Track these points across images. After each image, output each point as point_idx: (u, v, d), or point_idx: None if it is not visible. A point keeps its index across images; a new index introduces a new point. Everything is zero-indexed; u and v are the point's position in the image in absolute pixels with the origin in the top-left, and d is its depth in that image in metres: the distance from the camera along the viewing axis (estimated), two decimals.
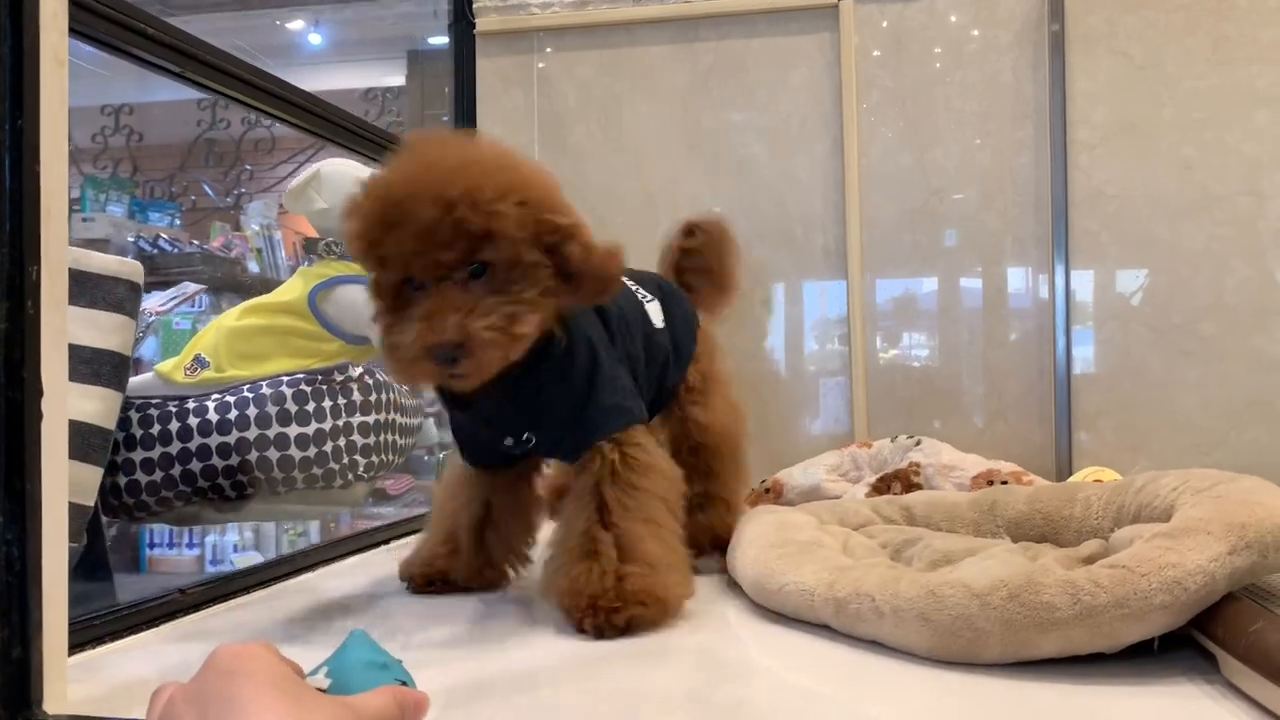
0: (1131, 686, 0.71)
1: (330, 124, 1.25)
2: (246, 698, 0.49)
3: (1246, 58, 1.44)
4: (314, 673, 0.58)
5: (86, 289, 0.88)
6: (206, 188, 5.65)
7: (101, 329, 0.88)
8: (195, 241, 4.48)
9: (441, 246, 0.82)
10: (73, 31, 0.80)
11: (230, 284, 3.70)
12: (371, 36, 5.30)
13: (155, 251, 4.21)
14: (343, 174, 1.51)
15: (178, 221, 4.87)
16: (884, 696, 0.71)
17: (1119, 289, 1.48)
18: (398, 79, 5.20)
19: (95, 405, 0.87)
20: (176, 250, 4.26)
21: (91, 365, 0.87)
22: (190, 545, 4.19)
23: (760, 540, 1.01)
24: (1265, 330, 1.43)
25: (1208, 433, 1.44)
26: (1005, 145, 1.52)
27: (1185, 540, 0.73)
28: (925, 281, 1.55)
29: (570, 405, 0.94)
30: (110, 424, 0.88)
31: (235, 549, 4.00)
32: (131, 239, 4.17)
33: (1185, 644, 0.77)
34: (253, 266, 4.15)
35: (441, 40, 4.31)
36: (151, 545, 4.18)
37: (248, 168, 5.61)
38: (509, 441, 0.96)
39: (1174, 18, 1.46)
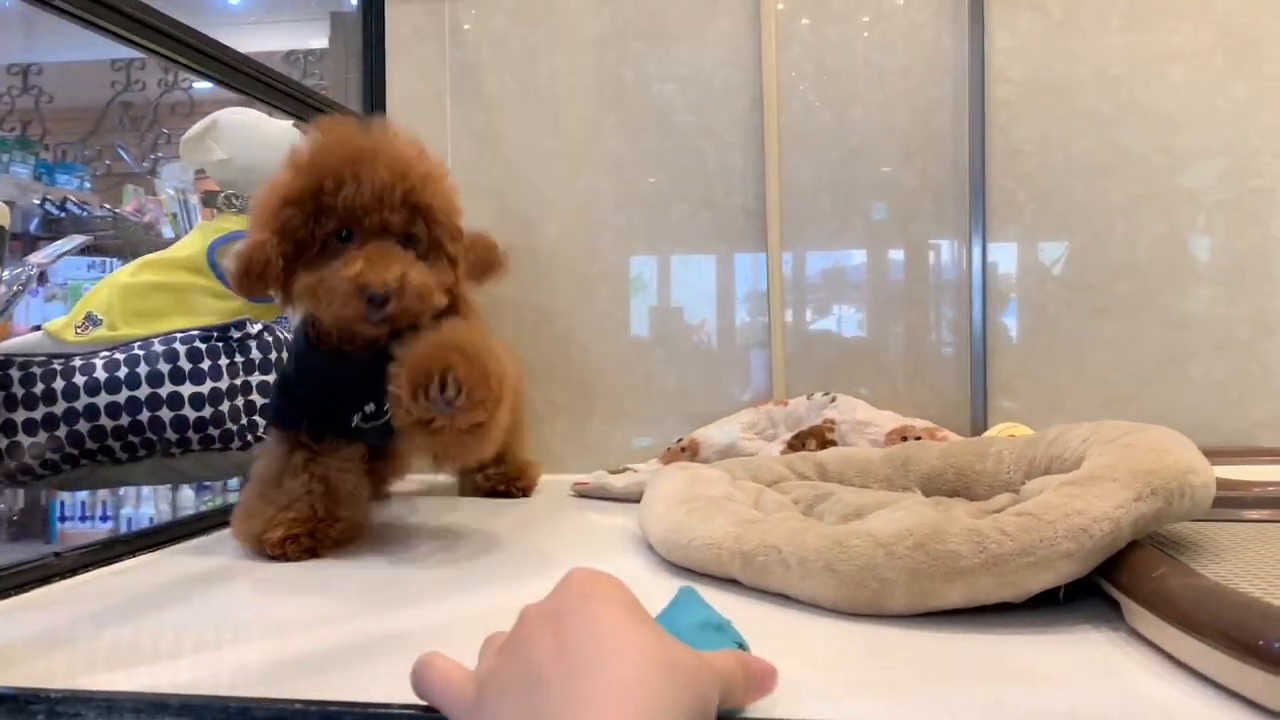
0: (1036, 635, 0.70)
1: (261, 84, 1.20)
2: (608, 620, 0.46)
3: (1160, 13, 1.44)
4: None
5: None
6: (121, 152, 5.46)
7: None
8: (106, 205, 4.33)
9: (391, 209, 0.93)
10: None
11: (145, 249, 3.58)
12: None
13: (63, 215, 4.06)
14: (243, 123, 1.44)
15: (88, 184, 4.70)
16: (789, 649, 0.69)
17: (1036, 248, 1.48)
18: (320, 41, 5.06)
19: None
20: (86, 214, 4.11)
21: None
22: (104, 518, 4.06)
23: (671, 496, 0.99)
24: (1177, 288, 1.44)
25: (1120, 389, 1.45)
26: (924, 103, 1.50)
27: (1092, 488, 0.72)
28: (844, 242, 1.54)
29: None
30: None
31: (150, 521, 3.89)
32: (37, 201, 4.02)
33: (1090, 593, 0.76)
34: (167, 231, 4.02)
35: None
36: (63, 519, 4.05)
37: (164, 131, 5.43)
38: (368, 408, 1.02)
39: None
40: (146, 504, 3.97)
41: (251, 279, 0.95)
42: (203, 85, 5.19)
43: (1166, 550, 0.77)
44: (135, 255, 1.41)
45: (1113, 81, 1.45)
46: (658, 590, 0.86)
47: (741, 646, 0.59)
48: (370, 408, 1.01)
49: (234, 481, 3.12)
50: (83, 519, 4.07)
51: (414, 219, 0.96)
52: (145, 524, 3.94)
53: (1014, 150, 1.47)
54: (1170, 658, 0.64)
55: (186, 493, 3.94)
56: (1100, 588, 0.75)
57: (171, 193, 4.24)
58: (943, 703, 0.58)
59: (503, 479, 1.36)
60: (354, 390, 1.01)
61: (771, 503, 0.99)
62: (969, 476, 1.09)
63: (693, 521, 0.89)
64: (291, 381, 1.06)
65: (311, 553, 0.98)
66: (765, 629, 0.74)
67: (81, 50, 5.29)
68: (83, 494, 4.03)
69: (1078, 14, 1.46)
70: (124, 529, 3.98)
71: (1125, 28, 1.45)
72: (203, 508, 3.79)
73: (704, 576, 0.88)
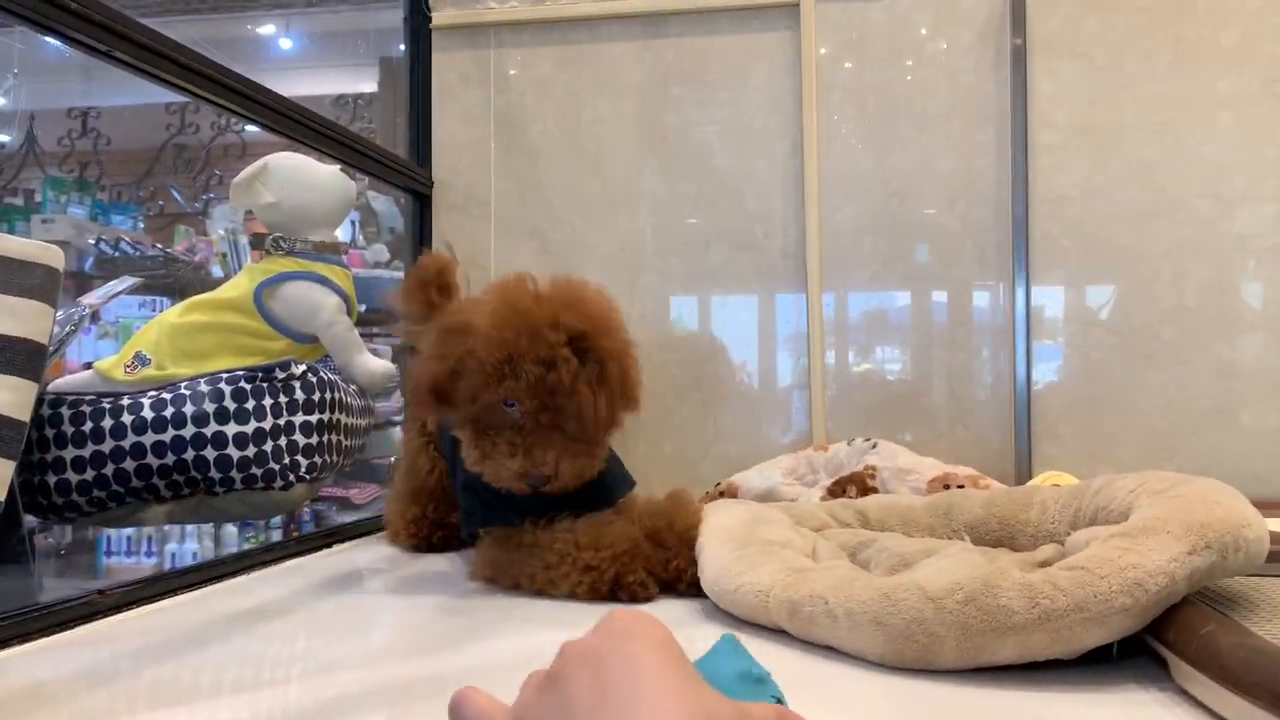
0: (1084, 693, 0.68)
1: (307, 128, 1.23)
2: (647, 664, 0.45)
3: (1208, 60, 1.43)
4: None
5: (1, 273, 0.84)
6: (174, 192, 5.58)
7: (16, 315, 0.84)
8: (158, 245, 4.42)
9: (563, 394, 1.02)
10: (46, 28, 0.79)
11: (195, 289, 3.65)
12: (344, 42, 5.26)
13: (117, 254, 4.15)
14: (292, 167, 1.46)
15: (141, 224, 4.81)
16: (833, 703, 0.68)
17: (1080, 293, 1.46)
18: (369, 86, 5.15)
19: (7, 395, 0.83)
20: (139, 253, 4.20)
21: (4, 353, 0.83)
22: (149, 554, 4.11)
23: (723, 533, 0.98)
24: (1225, 337, 1.42)
25: (1167, 438, 1.42)
26: (966, 147, 1.50)
27: (1144, 540, 0.71)
28: (886, 285, 1.53)
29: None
30: (24, 415, 0.84)
31: (194, 556, 3.93)
32: (92, 241, 4.11)
33: (1136, 650, 0.74)
34: (216, 270, 4.09)
35: None
36: (109, 553, 4.11)
37: (216, 173, 5.54)
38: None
39: (1135, 19, 1.45)
40: (191, 540, 4.02)
41: (431, 401, 1.07)
42: (254, 129, 5.31)
43: (1216, 606, 0.75)
44: (185, 294, 1.44)
45: (1158, 127, 1.44)
46: (704, 636, 0.86)
47: (779, 701, 0.58)
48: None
49: (276, 520, 3.12)
50: (128, 554, 4.12)
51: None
52: (189, 560, 3.98)
53: (1057, 195, 1.46)
54: (1218, 717, 0.62)
55: (230, 529, 3.98)
56: (1147, 644, 0.74)
57: (222, 233, 4.32)
58: None
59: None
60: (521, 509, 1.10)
61: (825, 550, 0.98)
62: (1013, 526, 1.07)
63: (741, 567, 0.88)
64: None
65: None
66: (808, 680, 0.73)
67: (138, 94, 5.43)
68: (128, 530, 4.08)
69: (1121, 60, 1.46)
70: (169, 565, 4.02)
71: (1170, 74, 1.44)
72: (245, 545, 3.83)
73: (750, 625, 0.87)
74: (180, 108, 5.66)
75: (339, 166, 1.49)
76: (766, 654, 0.80)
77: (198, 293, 1.45)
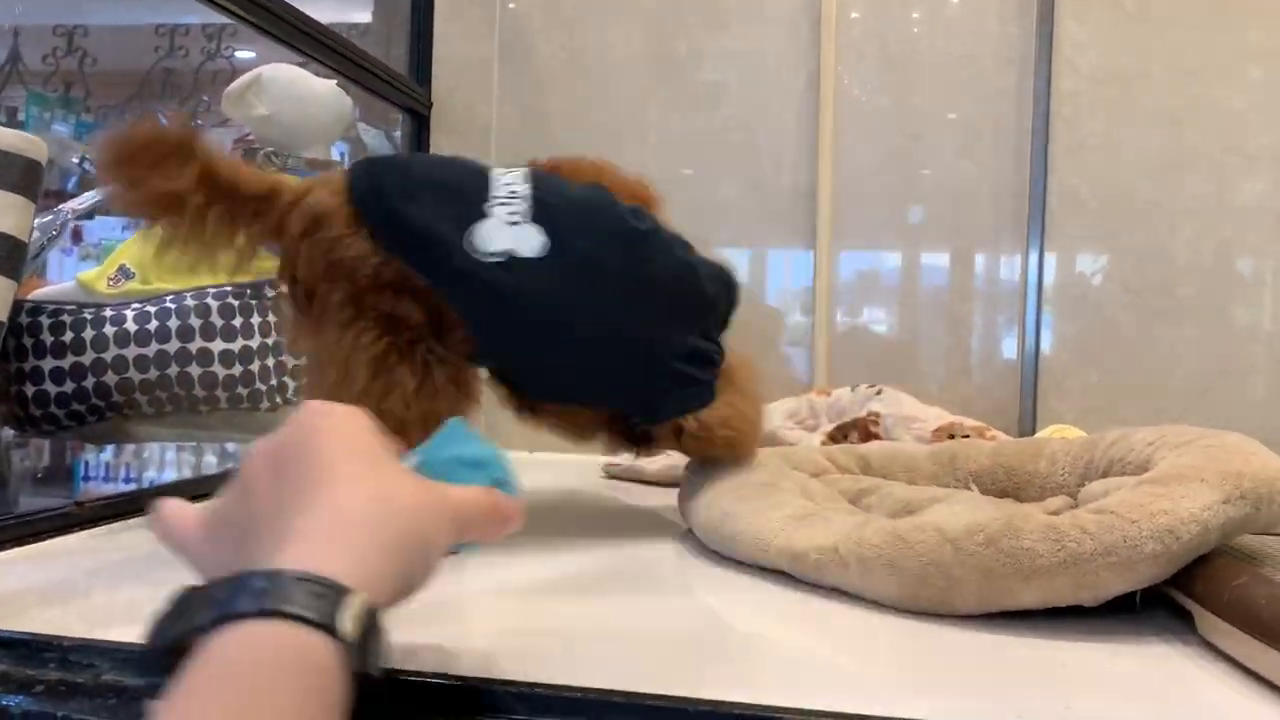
0: (1105, 643, 0.66)
1: (302, 34, 1.18)
2: (325, 453, 0.45)
3: (1239, 9, 1.38)
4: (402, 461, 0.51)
5: None
6: (162, 118, 5.46)
7: None
8: None
9: None
10: None
11: None
12: None
13: None
14: (287, 80, 1.40)
15: None
16: (848, 645, 0.65)
17: (1097, 245, 1.43)
18: (363, 16, 5.04)
19: None
20: None
21: None
22: (127, 479, 4.07)
23: (715, 479, 0.95)
24: (1245, 297, 1.39)
25: (1177, 398, 1.39)
26: (988, 92, 1.45)
27: (1177, 487, 0.68)
28: (896, 231, 1.49)
29: None
30: (2, 314, 0.79)
31: (169, 482, 3.88)
32: (76, 160, 4.01)
33: (1156, 604, 0.72)
34: None
35: None
36: (87, 478, 4.06)
37: (205, 99, 5.43)
38: None
39: None
40: (170, 468, 3.97)
41: None
42: (245, 54, 5.19)
43: (1244, 559, 0.73)
44: None
45: (1185, 78, 1.40)
46: (695, 577, 0.83)
47: (500, 484, 0.54)
48: None
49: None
50: (106, 479, 4.07)
51: None
52: (161, 484, 3.94)
53: (1079, 144, 1.42)
54: (1249, 672, 0.59)
55: (210, 459, 3.94)
56: (1168, 598, 0.71)
57: None
58: (1010, 706, 0.54)
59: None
60: None
61: (820, 493, 0.95)
62: (1020, 477, 1.05)
63: (739, 509, 0.85)
64: None
65: None
66: (815, 622, 0.70)
67: (126, 14, 5.30)
68: (107, 454, 4.03)
69: (1151, 6, 1.41)
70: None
71: (1201, 23, 1.39)
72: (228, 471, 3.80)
73: (749, 567, 0.84)
74: (170, 30, 5.52)
75: (335, 81, 1.44)
76: (766, 592, 0.77)
77: None
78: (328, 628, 0.37)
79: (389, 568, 0.42)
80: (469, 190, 0.80)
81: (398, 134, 1.75)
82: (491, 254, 0.77)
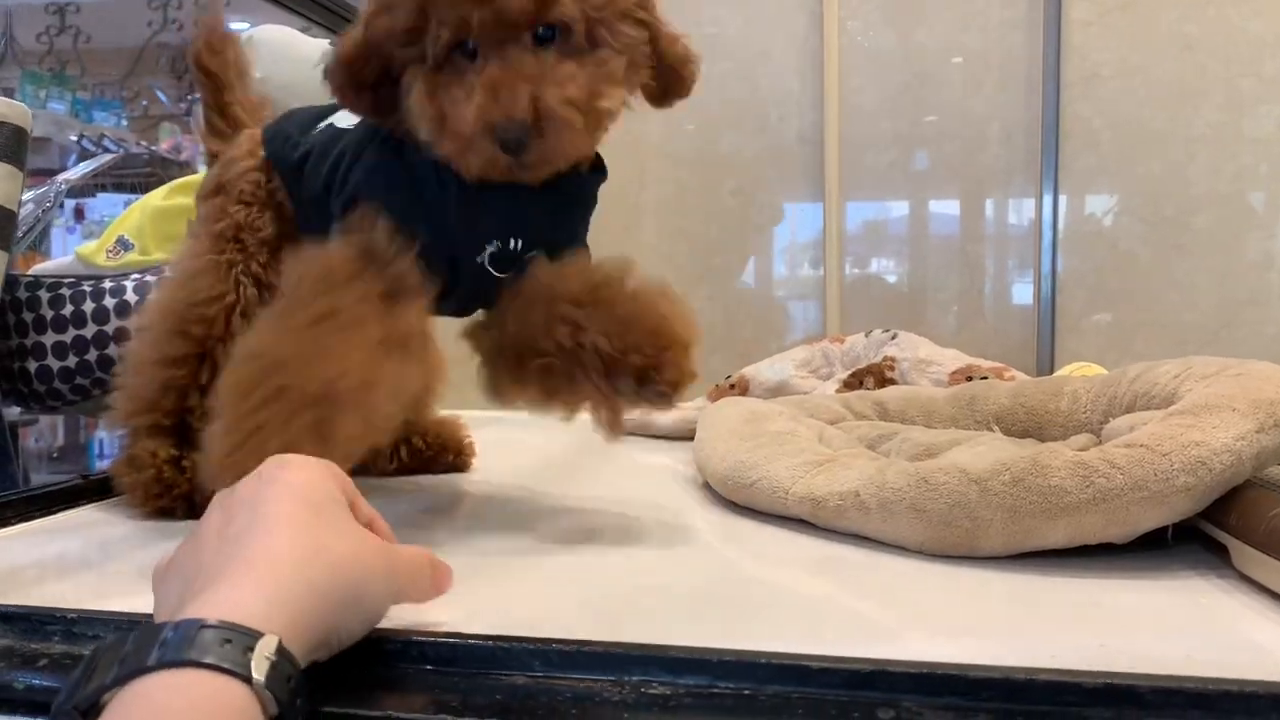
0: (1139, 579, 0.64)
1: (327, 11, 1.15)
2: (273, 506, 0.47)
3: None
4: None
5: None
6: (159, 92, 5.41)
7: None
8: (143, 142, 4.30)
9: None
10: None
11: None
12: None
13: (100, 151, 4.03)
14: (279, 41, 1.38)
15: (124, 122, 4.67)
16: (874, 589, 0.63)
17: (1111, 179, 1.39)
18: None
19: None
20: (122, 150, 4.08)
21: None
22: None
23: (729, 432, 0.93)
24: (1265, 225, 1.35)
25: (1197, 331, 1.37)
26: (995, 24, 1.42)
27: (1208, 418, 0.65)
28: (906, 171, 1.46)
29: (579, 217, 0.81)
30: None
31: None
32: (74, 138, 3.99)
33: (1189, 537, 0.70)
34: (203, 169, 3.99)
35: None
36: (101, 455, 4.07)
37: None
38: (492, 248, 0.76)
39: None
40: None
41: (351, 87, 0.73)
42: (239, 25, 5.14)
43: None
44: None
45: (1201, 2, 1.36)
46: (713, 529, 0.81)
47: None
48: (494, 246, 0.76)
49: None
50: None
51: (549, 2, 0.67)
52: None
53: (1091, 74, 1.38)
54: None
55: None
56: (1201, 531, 0.69)
57: None
58: (1044, 645, 0.52)
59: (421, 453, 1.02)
60: (479, 226, 0.76)
61: (836, 439, 0.93)
62: (1041, 416, 1.02)
63: (755, 459, 0.83)
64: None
65: None
66: (839, 569, 0.69)
67: None
68: (121, 431, 4.04)
69: None
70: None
71: None
72: None
73: (768, 516, 0.82)
74: (162, 3, 5.46)
75: (330, 41, 1.41)
76: (787, 541, 0.75)
77: None
78: (237, 673, 0.38)
79: (318, 612, 0.44)
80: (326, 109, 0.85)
81: None
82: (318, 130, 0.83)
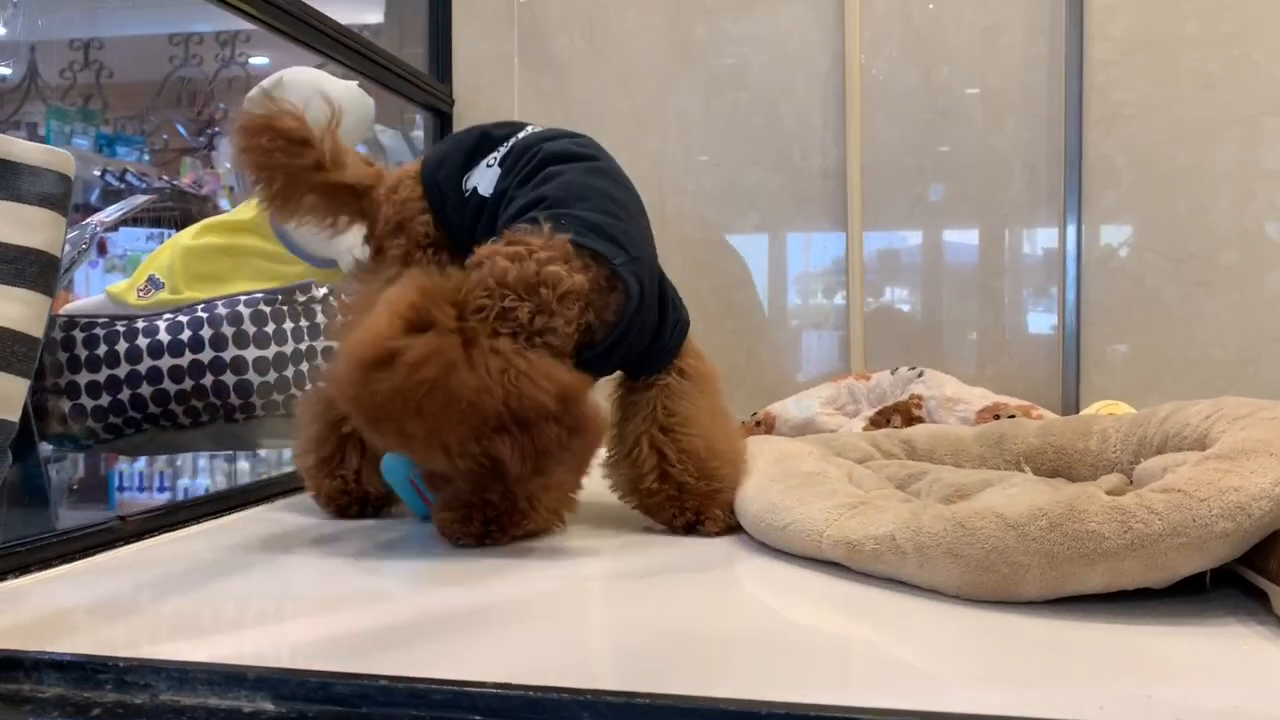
0: (1178, 625, 0.64)
1: (323, 35, 1.17)
2: None
3: None
4: None
5: (8, 180, 0.78)
6: (179, 127, 5.48)
7: (26, 225, 0.79)
8: (164, 177, 4.35)
9: None
10: None
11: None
12: None
13: (123, 186, 4.08)
14: (308, 82, 1.40)
15: (146, 157, 4.72)
16: (912, 635, 0.63)
17: (1135, 216, 1.40)
18: (375, 17, 5.02)
19: (19, 309, 0.77)
20: (145, 185, 4.13)
21: (14, 265, 0.78)
22: (162, 489, 4.09)
23: (760, 471, 0.93)
24: None
25: (1224, 368, 1.36)
26: (1017, 63, 1.42)
27: (1246, 463, 0.65)
28: (928, 208, 1.46)
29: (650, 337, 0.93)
30: (37, 331, 0.79)
31: (205, 492, 3.90)
32: (97, 173, 4.04)
33: (1225, 582, 0.70)
34: (224, 204, 4.03)
35: None
36: (121, 489, 4.09)
37: (221, 106, 5.43)
38: None
39: None
40: (203, 475, 3.99)
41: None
42: (259, 61, 5.20)
43: None
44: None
45: (1222, 39, 1.36)
46: (748, 573, 0.81)
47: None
48: None
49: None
50: (140, 489, 4.10)
51: None
52: (202, 493, 3.95)
53: (1113, 113, 1.39)
54: None
55: (244, 465, 3.95)
56: (1239, 576, 0.69)
57: (229, 166, 4.26)
58: (1089, 695, 0.52)
59: None
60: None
61: (867, 479, 0.93)
62: (1071, 456, 1.02)
63: (788, 501, 0.83)
64: None
65: None
66: (874, 613, 0.69)
67: (140, 24, 5.31)
68: (140, 464, 4.07)
69: None
70: (181, 499, 4.00)
71: None
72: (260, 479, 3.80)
73: (801, 559, 0.82)
74: (184, 38, 5.54)
75: (357, 81, 1.43)
76: (822, 585, 0.75)
77: None
78: None
79: None
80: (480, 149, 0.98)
81: (418, 133, 1.74)
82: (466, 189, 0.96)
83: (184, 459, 3.94)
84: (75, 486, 3.92)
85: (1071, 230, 1.39)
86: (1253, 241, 1.36)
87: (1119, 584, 0.65)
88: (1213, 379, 1.36)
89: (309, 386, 1.22)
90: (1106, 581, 0.65)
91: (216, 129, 5.33)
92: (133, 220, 3.80)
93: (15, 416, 0.78)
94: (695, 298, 1.52)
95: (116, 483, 4.07)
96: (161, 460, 4.02)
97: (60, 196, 0.82)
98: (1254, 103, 1.35)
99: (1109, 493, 0.80)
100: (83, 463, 3.88)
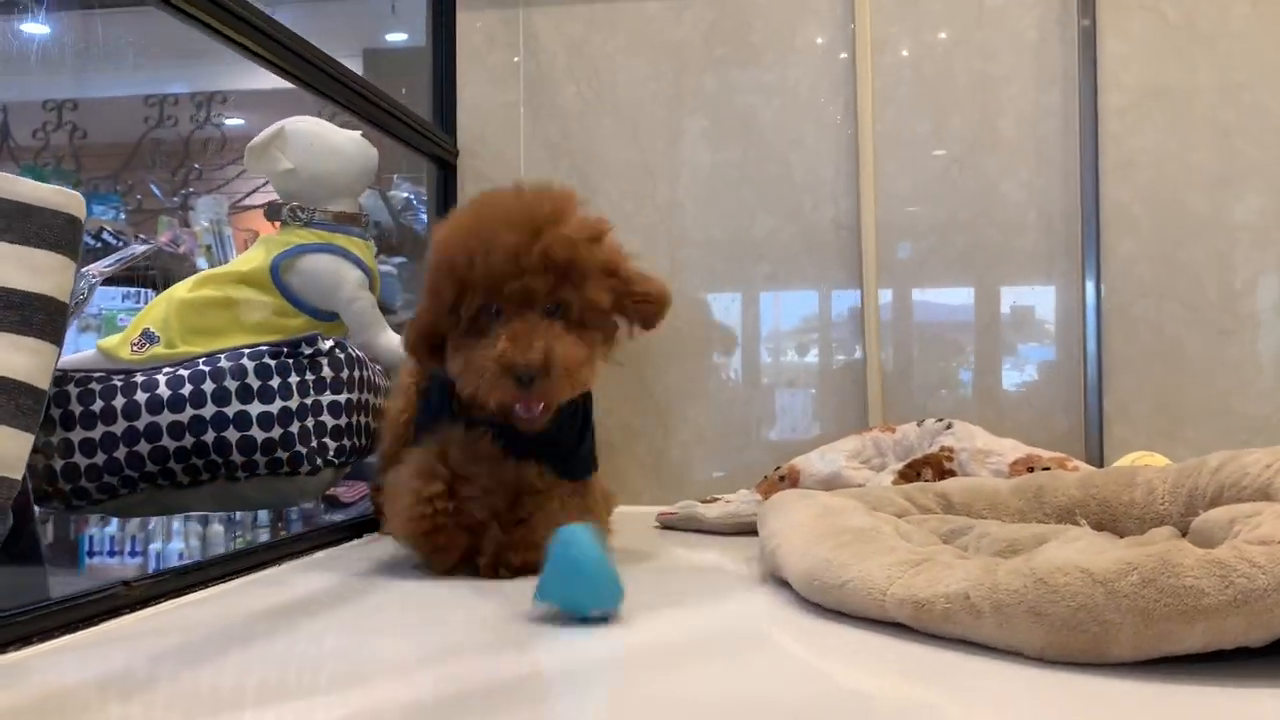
0: (1277, 688, 0.60)
1: (327, 76, 1.15)
2: None
3: None
4: None
5: (15, 221, 0.73)
6: (153, 187, 5.43)
7: (34, 269, 0.74)
8: (141, 235, 4.28)
9: (531, 272, 0.90)
10: None
11: (181, 279, 3.52)
12: (325, 33, 5.13)
13: (99, 245, 4.01)
14: (310, 132, 1.36)
15: (123, 215, 4.66)
16: (987, 702, 0.59)
17: (1153, 264, 1.38)
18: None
19: (26, 359, 0.72)
20: (122, 243, 4.06)
21: (21, 311, 0.73)
22: (133, 553, 3.96)
23: (805, 528, 0.89)
24: None
25: (1247, 419, 1.34)
26: (1030, 111, 1.42)
27: None
28: (943, 257, 1.44)
29: (569, 445, 1.03)
30: (44, 383, 0.73)
31: (180, 557, 3.79)
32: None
33: None
34: (201, 263, 3.97)
35: (399, 38, 4.16)
36: (91, 553, 3.95)
37: (196, 167, 5.39)
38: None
39: None
40: (176, 538, 3.88)
41: (423, 349, 0.98)
42: (235, 121, 5.18)
43: None
44: (169, 286, 1.34)
45: (1235, 88, 1.36)
46: (799, 637, 0.76)
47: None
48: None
49: (295, 511, 2.96)
50: (111, 554, 3.97)
51: (561, 283, 0.92)
52: (175, 557, 3.84)
53: (1128, 161, 1.38)
54: None
55: (216, 529, 3.83)
56: None
57: (206, 224, 4.23)
58: None
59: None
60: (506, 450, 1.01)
61: (914, 534, 0.89)
62: (1115, 509, 0.99)
63: (844, 557, 0.79)
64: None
65: None
66: (950, 676, 0.64)
67: (115, 86, 5.28)
68: (111, 528, 3.95)
69: (1195, 16, 1.38)
70: (153, 566, 3.86)
71: (1247, 30, 1.36)
72: (233, 546, 3.68)
73: (854, 619, 0.77)
74: (159, 99, 5.51)
75: (359, 132, 1.40)
76: (884, 648, 0.71)
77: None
78: None
79: None
80: None
81: (395, 193, 1.70)
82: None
83: (156, 521, 3.83)
84: (45, 552, 3.80)
85: (1090, 280, 1.37)
86: (1273, 290, 1.35)
87: (1219, 643, 0.61)
88: (1239, 429, 1.34)
89: (314, 442, 1.16)
90: (1206, 641, 0.61)
91: (191, 189, 5.29)
92: (105, 280, 3.73)
93: (18, 474, 0.73)
94: (705, 348, 1.49)
95: (86, 546, 3.95)
96: (133, 524, 3.91)
97: (68, 238, 0.78)
98: (1269, 150, 1.35)
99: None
100: (51, 526, 3.76)
